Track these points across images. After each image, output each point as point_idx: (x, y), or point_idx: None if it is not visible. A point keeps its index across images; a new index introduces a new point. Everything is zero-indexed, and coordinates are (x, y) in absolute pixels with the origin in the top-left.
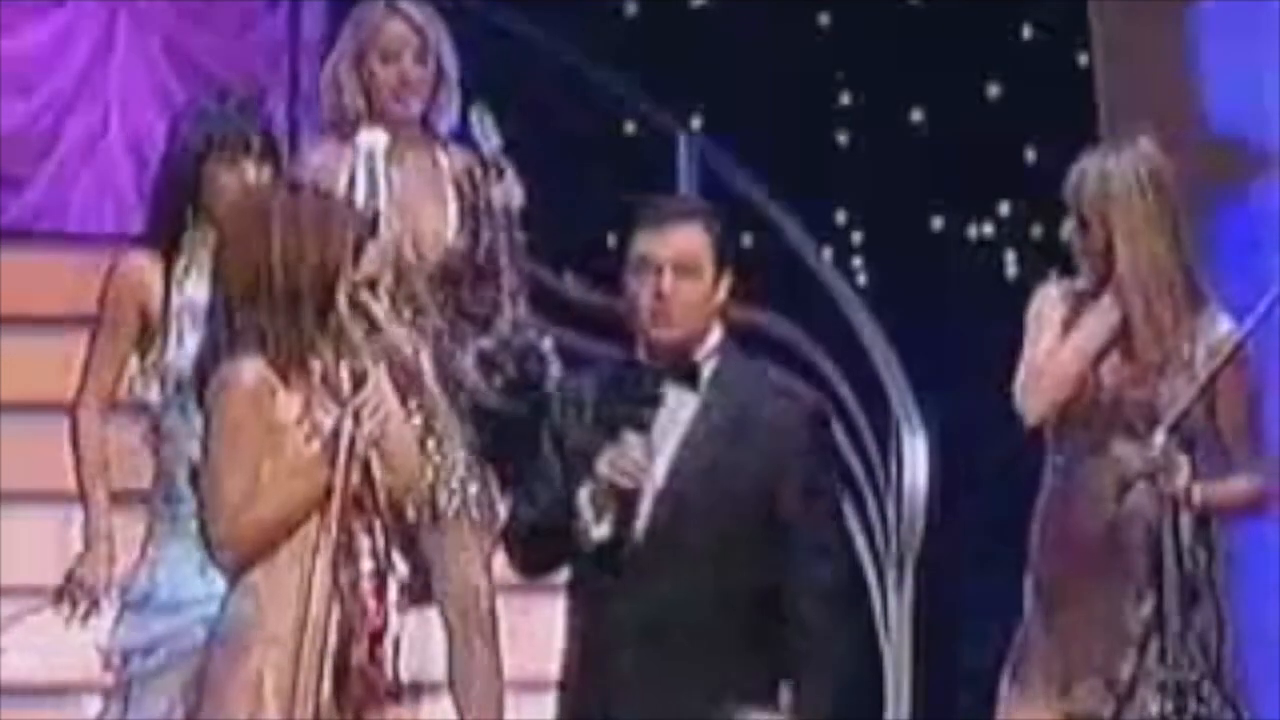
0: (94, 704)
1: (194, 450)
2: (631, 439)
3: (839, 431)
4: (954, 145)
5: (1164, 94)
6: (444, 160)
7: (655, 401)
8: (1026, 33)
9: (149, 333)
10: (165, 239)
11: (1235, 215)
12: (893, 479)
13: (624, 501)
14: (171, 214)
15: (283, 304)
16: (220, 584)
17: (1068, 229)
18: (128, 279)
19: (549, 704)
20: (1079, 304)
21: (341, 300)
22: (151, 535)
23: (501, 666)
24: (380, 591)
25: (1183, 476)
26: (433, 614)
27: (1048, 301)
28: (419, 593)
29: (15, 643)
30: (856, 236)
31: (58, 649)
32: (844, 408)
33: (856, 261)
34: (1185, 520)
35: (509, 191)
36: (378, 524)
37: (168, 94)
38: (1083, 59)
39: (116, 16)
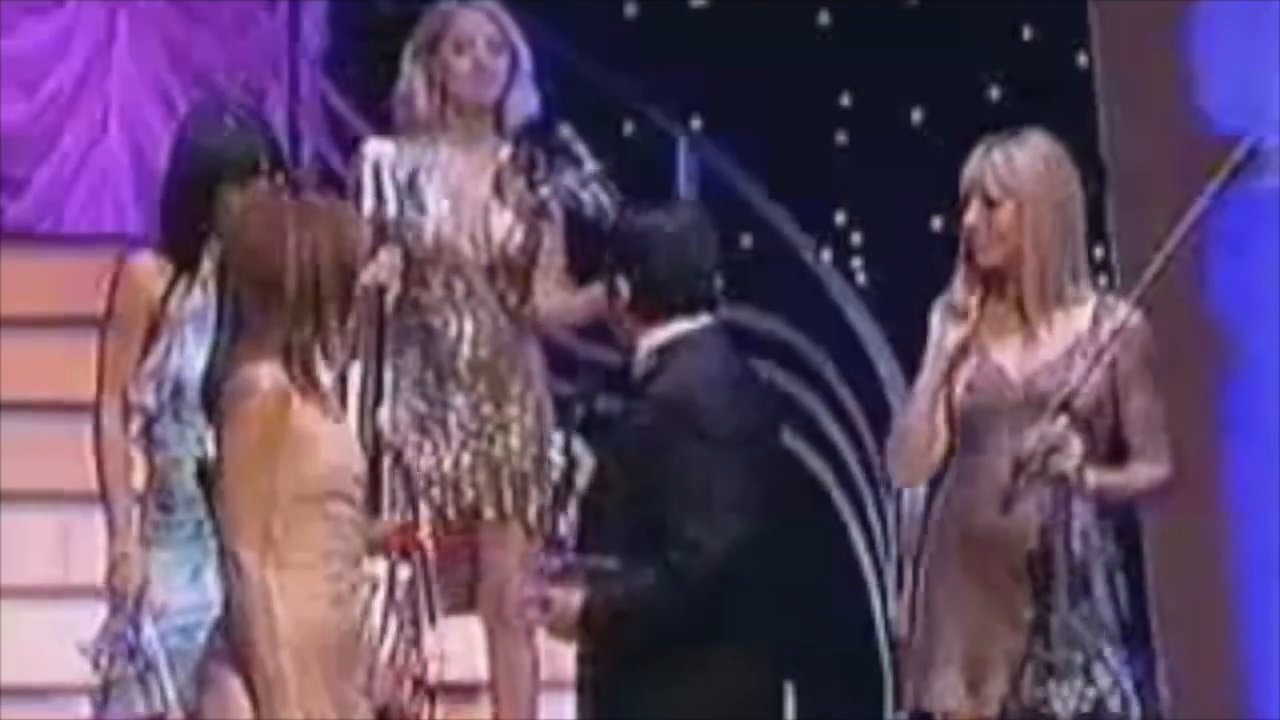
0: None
1: (189, 456)
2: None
3: (838, 431)
4: (954, 145)
5: (1164, 94)
6: (504, 154)
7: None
8: (1026, 33)
9: (153, 335)
10: (182, 259)
11: (1234, 215)
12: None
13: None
14: (187, 238)
15: (302, 312)
16: (212, 594)
17: (974, 213)
18: (136, 279)
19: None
20: (956, 319)
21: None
22: (145, 539)
23: (538, 665)
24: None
25: (1074, 457)
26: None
27: (935, 329)
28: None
29: (14, 643)
30: (856, 236)
31: (56, 649)
32: (844, 408)
33: (856, 261)
34: (1077, 502)
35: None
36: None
37: (168, 94)
38: (1082, 59)
39: (116, 16)
